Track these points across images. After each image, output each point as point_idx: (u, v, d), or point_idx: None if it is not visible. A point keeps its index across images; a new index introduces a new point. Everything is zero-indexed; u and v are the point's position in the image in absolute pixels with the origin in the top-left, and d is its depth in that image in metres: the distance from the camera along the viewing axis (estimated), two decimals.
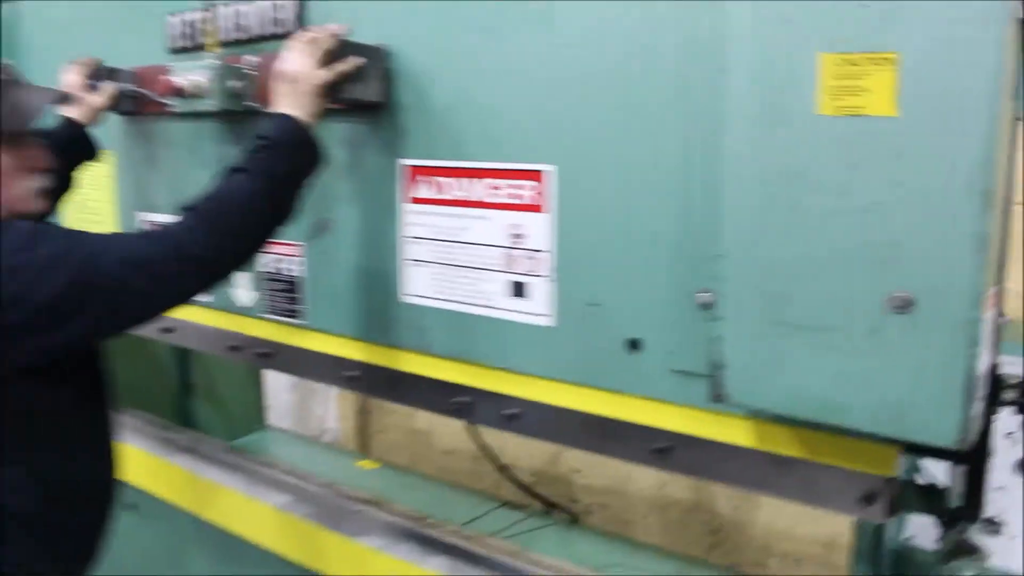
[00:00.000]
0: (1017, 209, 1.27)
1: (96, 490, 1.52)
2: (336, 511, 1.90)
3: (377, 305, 1.60)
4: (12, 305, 1.23)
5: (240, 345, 1.93)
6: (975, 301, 0.94)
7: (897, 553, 1.39)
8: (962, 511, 1.15)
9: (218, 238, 1.35)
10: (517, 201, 1.37)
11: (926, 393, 0.97)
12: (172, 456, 2.23)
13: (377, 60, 1.49)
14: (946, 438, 0.97)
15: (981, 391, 1.04)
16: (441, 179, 1.46)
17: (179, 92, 1.74)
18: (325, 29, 1.44)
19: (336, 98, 1.45)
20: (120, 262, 1.29)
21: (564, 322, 1.37)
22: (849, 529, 1.69)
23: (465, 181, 1.43)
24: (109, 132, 2.11)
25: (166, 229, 1.35)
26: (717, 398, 1.13)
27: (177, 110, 1.78)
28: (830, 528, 2.72)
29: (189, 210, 1.36)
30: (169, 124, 1.97)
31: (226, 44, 1.78)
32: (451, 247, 1.47)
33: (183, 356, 2.82)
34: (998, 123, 0.92)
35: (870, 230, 0.98)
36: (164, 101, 1.82)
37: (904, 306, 0.97)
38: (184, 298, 1.40)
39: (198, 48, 1.87)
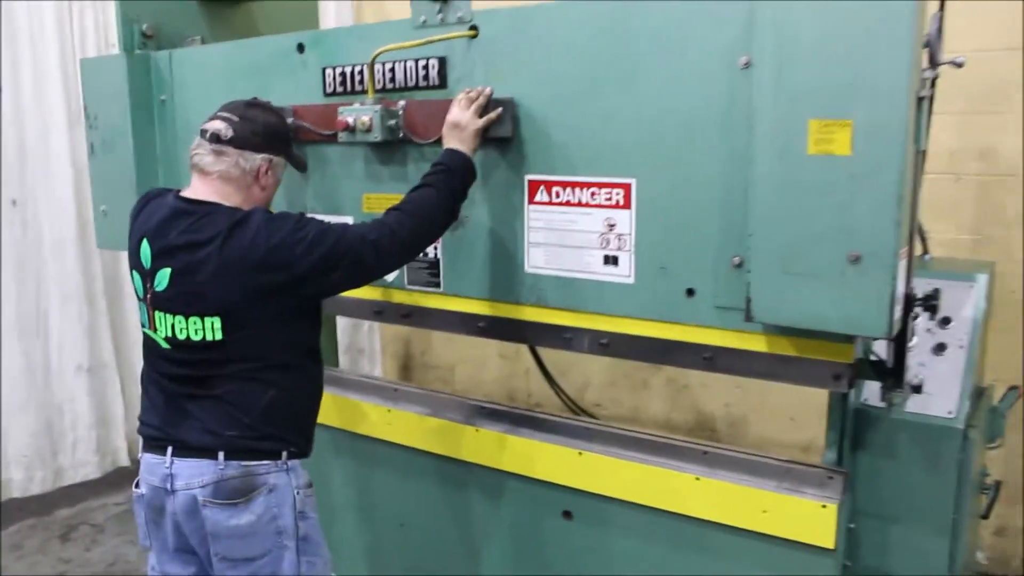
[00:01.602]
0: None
1: (320, 390, 2.26)
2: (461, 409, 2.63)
3: (504, 274, 2.34)
4: (289, 266, 1.96)
5: (383, 310, 2.65)
6: (894, 257, 1.70)
7: (856, 410, 2.17)
8: (893, 376, 1.93)
9: (419, 228, 2.09)
10: (610, 202, 2.13)
11: (869, 308, 1.74)
12: None
13: (509, 107, 2.22)
14: (880, 332, 1.74)
15: (900, 304, 1.80)
16: (556, 188, 2.21)
17: (348, 127, 2.44)
18: (480, 90, 2.18)
19: (485, 137, 2.19)
20: (358, 240, 2.03)
21: (641, 280, 2.13)
22: (820, 436, 2.45)
23: (573, 190, 2.18)
24: None
25: (382, 221, 2.09)
26: (748, 319, 1.89)
27: (342, 141, 2.48)
28: (806, 436, 3.53)
29: (396, 210, 2.10)
30: (321, 148, 2.67)
31: (379, 91, 2.48)
32: (562, 234, 2.22)
33: None
34: (907, 155, 1.68)
35: (838, 217, 1.74)
36: (327, 133, 2.54)
37: (856, 260, 1.73)
38: (392, 268, 2.17)
39: (349, 93, 2.58)
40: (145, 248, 2.09)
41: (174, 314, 2.04)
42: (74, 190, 4.45)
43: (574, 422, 2.46)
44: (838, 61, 1.69)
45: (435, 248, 2.45)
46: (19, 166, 4.36)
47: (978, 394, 2.41)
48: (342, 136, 2.45)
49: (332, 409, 2.84)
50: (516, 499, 2.50)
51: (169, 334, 2.06)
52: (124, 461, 4.71)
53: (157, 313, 2.08)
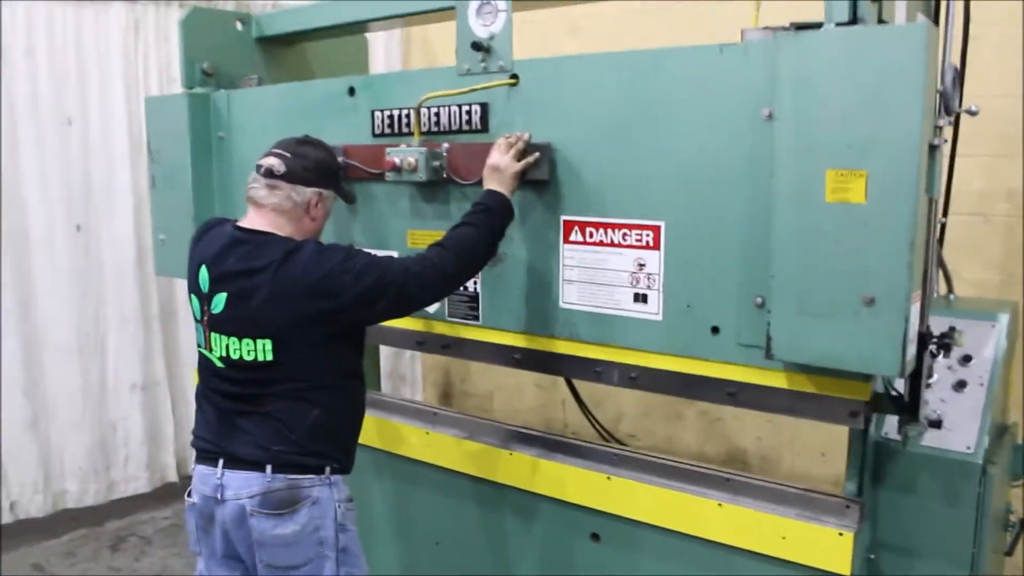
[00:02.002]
0: None
1: (363, 411, 2.40)
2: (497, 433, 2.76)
3: (539, 309, 2.47)
4: (337, 295, 2.12)
5: (424, 340, 2.80)
6: (906, 299, 1.80)
7: (876, 443, 2.24)
8: (909, 411, 2.01)
9: (460, 263, 2.23)
10: (640, 243, 2.25)
11: (882, 348, 1.83)
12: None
13: (546, 152, 2.36)
14: (892, 371, 1.84)
15: (913, 344, 1.89)
16: (589, 228, 2.34)
17: (395, 167, 2.60)
18: (519, 136, 2.33)
19: (523, 180, 2.33)
20: (403, 272, 2.18)
21: (669, 318, 2.24)
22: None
23: (606, 231, 2.31)
24: None
25: (427, 255, 2.23)
26: (768, 356, 1.99)
27: (389, 180, 2.64)
28: (836, 470, 3.58)
29: (439, 246, 2.25)
30: (369, 185, 2.83)
31: (424, 133, 2.64)
32: (595, 272, 2.34)
33: None
34: (918, 203, 1.78)
35: (852, 261, 1.84)
36: (375, 172, 2.70)
37: (870, 302, 1.83)
38: (433, 300, 2.32)
39: (396, 134, 2.74)
40: (204, 273, 2.26)
41: (229, 335, 2.21)
42: (134, 219, 4.67)
43: (603, 448, 2.57)
44: (853, 115, 1.81)
45: (475, 282, 2.59)
46: (85, 194, 4.58)
47: (1001, 432, 2.47)
48: (389, 175, 2.60)
49: (374, 431, 2.99)
50: (547, 521, 2.62)
51: (224, 354, 2.22)
52: (173, 477, 4.89)
53: (213, 334, 2.24)
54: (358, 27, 3.33)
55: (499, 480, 2.69)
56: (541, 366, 2.54)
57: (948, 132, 2.01)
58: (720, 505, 2.25)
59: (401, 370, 5.56)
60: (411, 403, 3.11)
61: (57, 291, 4.48)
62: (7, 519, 4.38)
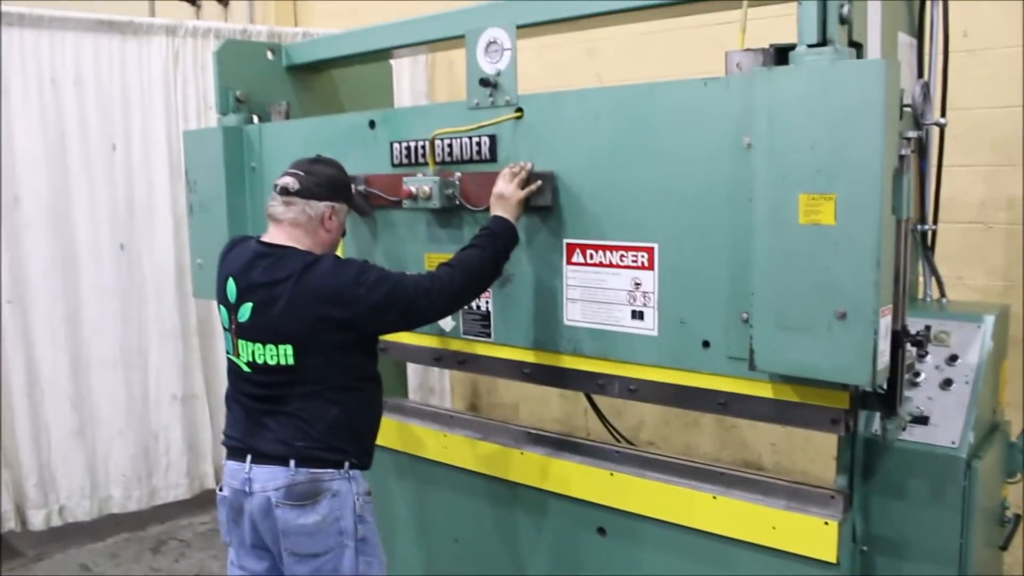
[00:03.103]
0: None
1: (379, 411, 2.59)
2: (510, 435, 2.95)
3: (545, 326, 2.65)
4: (352, 304, 2.32)
5: (441, 356, 2.99)
6: (874, 313, 1.95)
7: (866, 439, 2.35)
8: (887, 406, 2.15)
9: (466, 282, 2.41)
10: (636, 264, 2.42)
11: (854, 359, 1.98)
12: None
13: (549, 180, 2.54)
14: (864, 381, 1.99)
15: (885, 355, 2.03)
16: (590, 251, 2.51)
17: (411, 195, 2.79)
18: (522, 165, 2.51)
19: (527, 206, 2.51)
20: (413, 287, 2.37)
21: (663, 333, 2.41)
22: None
23: (604, 252, 2.48)
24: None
25: (436, 273, 2.42)
26: (752, 367, 2.15)
27: (406, 207, 2.83)
28: None
29: (447, 265, 2.43)
30: (388, 212, 3.03)
31: (439, 163, 2.82)
32: (595, 291, 2.52)
33: None
34: (883, 224, 1.92)
35: (825, 279, 1.99)
36: (393, 199, 2.89)
37: (842, 316, 1.98)
38: (440, 315, 2.54)
39: (413, 164, 2.93)
40: (231, 285, 2.47)
41: (254, 342, 2.41)
42: (174, 239, 4.93)
43: (606, 446, 2.74)
44: (821, 143, 1.95)
45: (486, 302, 2.78)
46: (128, 215, 4.86)
47: (991, 429, 2.58)
48: (406, 203, 2.79)
49: (395, 434, 3.20)
50: (556, 516, 2.80)
51: (250, 359, 2.43)
52: (211, 484, 5.11)
53: (240, 341, 2.45)
54: (382, 54, 3.54)
55: (511, 479, 2.88)
56: (549, 380, 2.72)
57: (938, 143, 2.07)
58: (714, 498, 2.41)
59: (430, 383, 5.76)
60: (429, 407, 3.31)
61: (102, 307, 4.76)
62: (56, 522, 4.66)
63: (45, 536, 4.61)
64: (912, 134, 2.08)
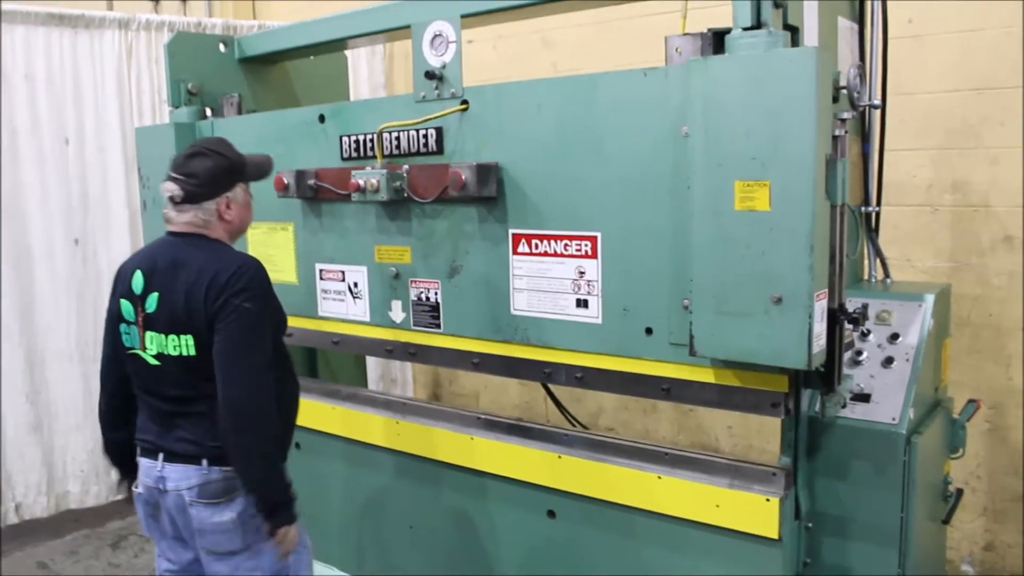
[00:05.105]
0: None
1: (292, 401, 2.54)
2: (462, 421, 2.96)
3: (493, 316, 2.67)
4: (263, 298, 2.30)
5: (393, 349, 2.99)
6: (809, 298, 1.98)
7: (810, 418, 2.38)
8: (826, 383, 2.19)
9: (263, 424, 2.29)
10: (580, 252, 2.44)
11: (790, 342, 2.02)
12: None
13: (494, 171, 2.55)
14: (800, 363, 2.02)
15: (822, 336, 2.07)
16: (535, 240, 2.53)
17: (360, 189, 2.79)
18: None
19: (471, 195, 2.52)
20: (255, 364, 2.29)
21: (608, 321, 2.43)
22: None
23: (549, 242, 2.50)
24: (291, 210, 3.20)
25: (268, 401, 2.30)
26: (692, 353, 2.18)
27: (355, 200, 2.83)
28: None
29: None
30: (338, 205, 3.04)
31: (387, 156, 2.83)
32: (540, 280, 2.54)
33: (311, 354, 3.88)
34: (816, 210, 1.96)
35: (761, 264, 2.03)
36: (343, 193, 2.89)
37: (778, 301, 2.02)
38: (242, 395, 2.29)
39: (362, 158, 2.93)
40: (138, 277, 2.39)
41: (161, 333, 2.35)
42: (129, 233, 4.89)
43: (555, 429, 2.75)
44: (756, 131, 1.99)
45: (435, 293, 2.79)
46: (82, 210, 4.81)
47: (932, 406, 2.63)
48: (355, 196, 2.79)
49: (349, 423, 3.22)
50: (508, 500, 2.81)
51: (158, 351, 2.35)
52: None
53: (148, 333, 2.37)
54: (333, 45, 3.52)
55: (464, 464, 2.89)
56: (497, 369, 2.73)
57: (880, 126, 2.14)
58: (659, 478, 2.44)
59: (392, 374, 5.76)
60: (382, 395, 3.31)
61: (57, 301, 4.72)
62: (13, 520, 4.63)
63: (2, 534, 4.57)
64: (847, 115, 2.12)
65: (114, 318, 2.47)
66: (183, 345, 2.32)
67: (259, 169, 2.57)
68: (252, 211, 2.54)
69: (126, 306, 2.43)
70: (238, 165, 2.47)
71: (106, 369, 2.54)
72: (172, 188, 2.39)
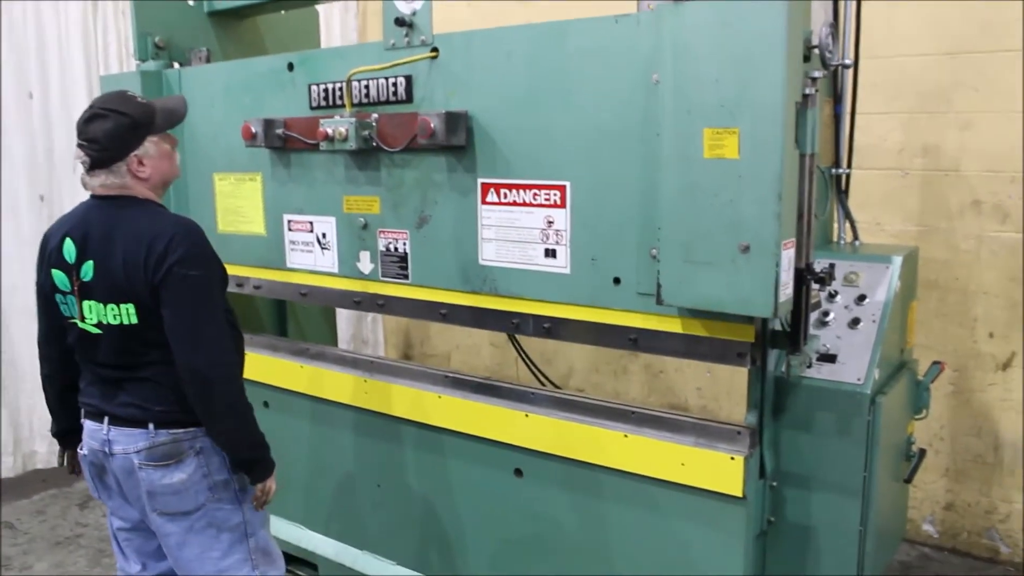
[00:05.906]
0: None
1: (241, 354, 2.46)
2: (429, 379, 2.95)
3: (461, 266, 2.65)
4: (205, 262, 2.24)
5: (361, 300, 2.97)
6: (776, 246, 1.98)
7: (776, 377, 2.40)
8: (791, 342, 2.21)
9: (232, 396, 2.28)
10: (548, 202, 2.42)
11: (757, 291, 2.02)
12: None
13: (463, 120, 2.52)
14: (767, 312, 2.03)
15: (788, 287, 2.08)
16: (504, 190, 2.51)
17: (328, 137, 2.75)
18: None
19: (440, 144, 2.49)
20: (214, 333, 2.24)
21: (576, 271, 2.42)
22: None
23: (518, 191, 2.48)
24: (259, 160, 3.16)
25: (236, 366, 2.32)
26: (659, 302, 2.18)
27: (324, 149, 2.79)
28: None
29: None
30: (307, 155, 3.00)
31: (356, 105, 2.80)
32: (509, 230, 2.52)
33: (280, 307, 3.86)
34: (785, 157, 1.95)
35: (729, 213, 2.02)
36: (311, 142, 2.85)
37: (746, 250, 2.02)
38: (204, 364, 2.23)
39: (331, 107, 2.89)
40: (69, 245, 2.27)
41: (100, 302, 2.24)
42: None
43: (522, 388, 2.74)
44: (725, 78, 1.98)
45: (404, 243, 2.77)
46: (47, 166, 4.73)
47: (899, 367, 2.66)
48: (323, 145, 2.76)
49: (317, 381, 3.19)
50: (475, 459, 2.81)
51: (98, 320, 2.26)
52: None
53: (86, 303, 2.27)
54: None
55: (431, 423, 2.88)
56: (465, 320, 2.72)
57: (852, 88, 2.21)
58: (625, 436, 2.44)
59: (363, 334, 5.74)
60: (350, 354, 3.29)
61: (22, 259, 4.63)
62: None
63: None
64: (817, 74, 2.11)
65: (47, 289, 2.35)
66: (124, 314, 2.24)
67: (171, 116, 2.40)
68: (176, 159, 2.41)
69: (59, 276, 2.32)
70: (142, 120, 2.28)
71: (47, 342, 2.46)
72: (80, 155, 2.28)
